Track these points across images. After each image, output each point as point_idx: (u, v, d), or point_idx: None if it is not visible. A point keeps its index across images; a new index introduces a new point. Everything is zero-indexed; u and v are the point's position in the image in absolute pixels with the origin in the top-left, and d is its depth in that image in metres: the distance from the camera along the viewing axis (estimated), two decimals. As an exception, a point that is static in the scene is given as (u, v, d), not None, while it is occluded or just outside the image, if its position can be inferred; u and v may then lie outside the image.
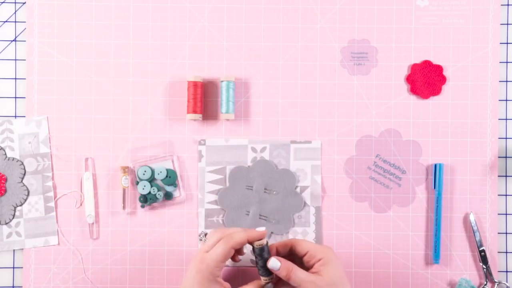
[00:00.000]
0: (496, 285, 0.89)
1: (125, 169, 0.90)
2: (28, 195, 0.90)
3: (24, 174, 0.90)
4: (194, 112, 0.89)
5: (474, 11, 0.91)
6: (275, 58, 0.92)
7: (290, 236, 0.90)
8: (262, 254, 0.78)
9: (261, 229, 0.79)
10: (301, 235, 0.90)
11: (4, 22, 0.92)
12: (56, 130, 0.91)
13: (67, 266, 0.90)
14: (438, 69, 0.91)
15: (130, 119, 0.91)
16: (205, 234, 0.89)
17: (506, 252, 0.91)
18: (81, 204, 0.91)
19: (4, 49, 0.92)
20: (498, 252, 0.91)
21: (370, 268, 0.90)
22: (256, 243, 0.78)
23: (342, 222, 0.91)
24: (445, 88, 0.91)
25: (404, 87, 0.91)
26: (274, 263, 0.78)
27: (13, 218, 0.90)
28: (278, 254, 0.81)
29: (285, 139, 0.91)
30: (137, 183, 0.89)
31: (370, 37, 0.91)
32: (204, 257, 0.77)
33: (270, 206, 0.90)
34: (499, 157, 0.91)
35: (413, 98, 0.91)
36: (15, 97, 0.92)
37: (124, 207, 0.90)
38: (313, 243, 0.81)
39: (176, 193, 0.90)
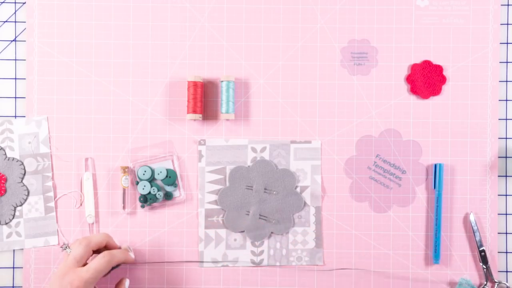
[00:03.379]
0: (496, 285, 0.89)
1: (125, 169, 0.90)
2: (28, 195, 0.90)
3: (24, 174, 0.90)
4: (194, 112, 0.89)
5: (474, 11, 0.91)
6: (275, 58, 0.91)
7: (290, 236, 0.90)
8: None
9: (132, 256, 0.84)
10: (301, 235, 0.90)
11: (4, 22, 0.92)
12: (56, 130, 0.91)
13: (67, 266, 0.90)
14: (438, 69, 0.91)
15: (130, 119, 0.91)
16: (68, 245, 0.82)
17: (506, 252, 0.91)
18: (81, 204, 0.91)
19: (4, 49, 0.92)
20: (498, 252, 0.91)
21: (370, 268, 0.90)
22: None
23: (342, 222, 0.91)
24: (445, 88, 0.91)
25: (404, 87, 0.91)
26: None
27: (13, 218, 0.90)
28: None
29: (285, 139, 0.91)
30: (137, 183, 0.89)
31: (370, 37, 0.91)
32: (80, 274, 0.77)
33: (270, 206, 0.90)
34: (499, 157, 0.91)
35: (413, 98, 0.91)
36: (15, 97, 0.92)
37: (124, 207, 0.90)
38: None
39: (176, 193, 0.90)
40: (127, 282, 0.85)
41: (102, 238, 0.83)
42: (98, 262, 0.78)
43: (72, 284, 0.76)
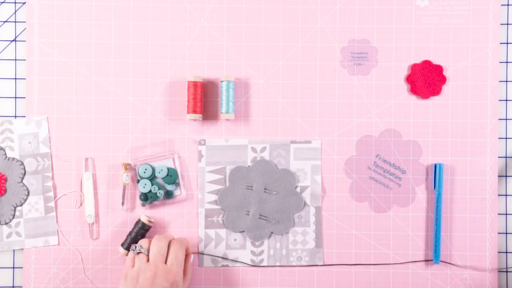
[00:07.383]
0: None
1: (127, 166, 0.90)
2: (28, 195, 0.90)
3: (24, 174, 0.90)
4: (194, 112, 0.89)
5: (474, 11, 0.91)
6: (275, 58, 0.92)
7: (290, 236, 0.90)
8: (144, 229, 0.87)
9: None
10: (301, 235, 0.90)
11: (4, 22, 0.92)
12: (56, 130, 0.91)
13: (67, 266, 0.90)
14: (438, 69, 0.91)
15: (130, 119, 0.91)
16: (141, 246, 0.84)
17: (506, 252, 0.91)
18: (81, 204, 0.91)
19: (4, 49, 0.92)
20: (498, 252, 0.91)
21: (370, 268, 0.90)
22: (148, 221, 0.87)
23: (342, 222, 0.91)
24: (445, 88, 0.91)
25: (404, 87, 0.92)
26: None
27: (13, 218, 0.90)
28: None
29: (285, 139, 0.91)
30: (138, 181, 0.89)
31: (370, 37, 0.91)
32: (169, 268, 0.81)
33: (270, 206, 0.90)
34: (499, 157, 0.91)
35: (413, 98, 0.91)
36: (15, 97, 0.92)
37: (123, 203, 0.90)
38: None
39: (176, 192, 0.90)
40: (191, 257, 0.88)
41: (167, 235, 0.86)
42: (177, 253, 0.82)
43: (166, 279, 0.80)
